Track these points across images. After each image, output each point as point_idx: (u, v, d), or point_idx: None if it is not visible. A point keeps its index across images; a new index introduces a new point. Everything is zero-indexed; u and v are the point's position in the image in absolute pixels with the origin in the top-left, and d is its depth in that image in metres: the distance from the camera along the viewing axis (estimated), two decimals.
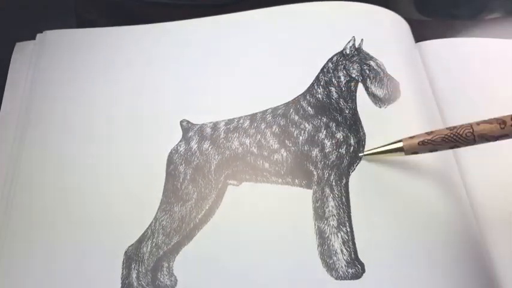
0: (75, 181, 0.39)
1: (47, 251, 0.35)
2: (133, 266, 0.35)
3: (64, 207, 0.37)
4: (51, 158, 0.40)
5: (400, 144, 0.35)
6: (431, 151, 0.34)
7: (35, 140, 0.41)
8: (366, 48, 0.42)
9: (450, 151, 0.39)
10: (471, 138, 0.32)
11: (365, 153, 0.37)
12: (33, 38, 0.47)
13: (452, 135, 0.33)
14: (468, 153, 0.40)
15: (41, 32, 0.47)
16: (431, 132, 0.34)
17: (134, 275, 0.35)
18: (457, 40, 0.49)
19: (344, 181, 0.37)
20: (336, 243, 0.34)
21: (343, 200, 0.36)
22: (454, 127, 0.33)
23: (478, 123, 0.33)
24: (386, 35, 0.45)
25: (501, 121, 0.32)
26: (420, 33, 0.48)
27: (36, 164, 0.40)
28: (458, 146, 0.33)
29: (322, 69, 0.41)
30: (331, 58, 0.42)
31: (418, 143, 0.34)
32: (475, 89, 0.45)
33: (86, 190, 0.38)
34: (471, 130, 0.32)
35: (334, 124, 0.39)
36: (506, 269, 0.35)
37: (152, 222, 0.36)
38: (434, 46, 0.48)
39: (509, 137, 0.32)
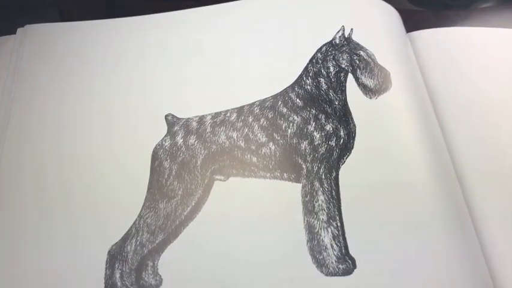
0: (56, 178, 0.37)
1: (29, 250, 0.34)
2: (117, 265, 0.34)
3: (45, 206, 0.36)
4: (33, 153, 0.39)
5: None
6: None
7: (15, 136, 0.40)
8: (355, 38, 0.41)
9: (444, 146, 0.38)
10: None
11: None
12: (14, 32, 0.46)
13: None
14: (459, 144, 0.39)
15: (22, 27, 0.46)
16: None
17: (118, 275, 0.34)
18: (448, 30, 0.48)
19: (334, 174, 0.36)
20: (326, 238, 0.33)
21: (333, 193, 0.35)
22: None
23: None
24: (376, 25, 0.44)
25: None
26: (412, 23, 0.47)
27: (17, 159, 0.38)
28: None
29: (311, 60, 0.40)
30: (320, 48, 0.41)
31: None
32: (467, 78, 0.44)
33: (67, 187, 0.37)
34: None
35: (323, 116, 0.38)
36: (504, 266, 0.34)
37: (136, 220, 0.35)
38: (426, 36, 0.47)
39: None
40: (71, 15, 0.51)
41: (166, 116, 0.39)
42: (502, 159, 0.39)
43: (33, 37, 0.46)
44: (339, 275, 0.32)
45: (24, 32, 0.46)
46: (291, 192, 0.36)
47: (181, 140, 0.38)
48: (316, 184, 0.35)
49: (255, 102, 0.39)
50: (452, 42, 0.47)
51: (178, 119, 0.39)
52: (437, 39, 0.47)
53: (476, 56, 0.46)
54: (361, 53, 0.40)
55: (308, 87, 0.39)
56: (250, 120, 0.38)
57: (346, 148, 0.37)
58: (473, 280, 0.32)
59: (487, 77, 0.44)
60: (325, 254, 0.33)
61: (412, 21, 0.48)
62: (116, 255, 0.34)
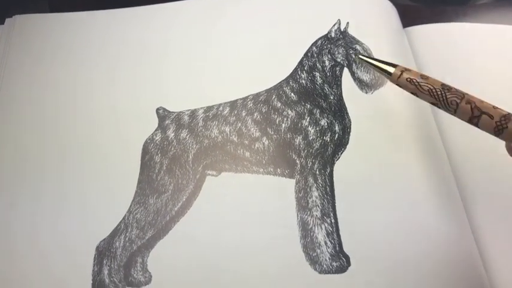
0: (45, 171, 0.37)
1: (18, 246, 0.34)
2: (105, 261, 0.33)
3: (33, 201, 0.35)
4: (22, 146, 0.38)
5: (391, 69, 0.31)
6: (413, 93, 0.31)
7: (3, 129, 0.39)
8: (351, 32, 0.40)
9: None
10: (452, 109, 0.29)
11: (361, 56, 0.33)
12: (2, 22, 0.45)
13: (439, 94, 0.29)
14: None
15: (11, 17, 0.45)
16: (426, 78, 0.30)
17: (106, 271, 0.33)
18: (445, 25, 0.47)
19: (328, 170, 0.35)
20: (320, 235, 0.33)
21: (328, 189, 0.34)
22: (449, 88, 0.29)
23: (472, 103, 0.29)
24: (372, 19, 0.43)
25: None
26: (409, 19, 0.47)
27: (3, 150, 0.38)
28: (438, 107, 0.30)
29: (306, 54, 0.40)
30: (316, 42, 0.40)
31: (407, 79, 0.30)
32: (463, 74, 0.43)
33: (55, 181, 0.36)
34: (458, 102, 0.29)
35: (318, 111, 0.37)
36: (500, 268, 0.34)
37: (126, 215, 0.34)
38: (423, 31, 0.46)
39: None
40: (61, 6, 0.50)
41: (157, 110, 0.38)
42: (498, 155, 0.39)
43: (21, 27, 0.44)
44: (333, 273, 0.32)
45: (12, 22, 0.45)
46: (284, 187, 0.35)
47: (173, 134, 0.37)
48: (310, 180, 0.35)
49: (249, 96, 0.38)
50: (449, 38, 0.46)
51: (169, 112, 0.38)
52: (434, 34, 0.46)
53: (473, 52, 0.45)
54: (357, 47, 0.39)
55: (303, 81, 0.38)
56: (244, 114, 0.37)
57: (341, 143, 0.36)
58: (467, 278, 0.31)
59: (484, 73, 0.44)
60: (318, 251, 0.32)
61: (409, 16, 0.47)
62: (104, 251, 0.33)
